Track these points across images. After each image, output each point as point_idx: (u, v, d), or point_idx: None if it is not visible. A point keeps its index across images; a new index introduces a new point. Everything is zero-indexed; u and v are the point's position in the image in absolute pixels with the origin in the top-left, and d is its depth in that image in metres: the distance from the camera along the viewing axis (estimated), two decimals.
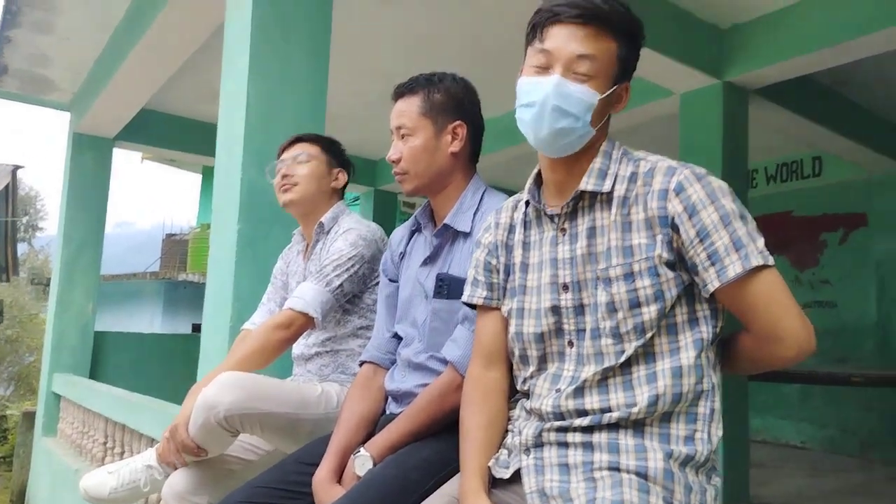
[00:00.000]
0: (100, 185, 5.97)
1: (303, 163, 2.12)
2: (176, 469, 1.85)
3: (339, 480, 1.54)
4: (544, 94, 1.21)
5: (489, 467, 1.31)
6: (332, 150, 2.20)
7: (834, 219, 6.96)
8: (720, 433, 1.22)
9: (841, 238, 6.90)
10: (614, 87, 1.24)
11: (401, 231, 1.84)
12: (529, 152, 1.42)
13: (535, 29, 1.26)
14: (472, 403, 1.37)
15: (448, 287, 1.60)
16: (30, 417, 7.27)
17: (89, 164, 5.93)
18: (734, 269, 1.15)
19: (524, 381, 1.34)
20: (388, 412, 1.69)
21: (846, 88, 5.33)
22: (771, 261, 1.16)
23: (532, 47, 1.27)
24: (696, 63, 4.22)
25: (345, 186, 2.26)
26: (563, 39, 1.21)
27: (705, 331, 1.21)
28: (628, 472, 1.15)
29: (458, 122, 1.66)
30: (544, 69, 1.23)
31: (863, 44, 3.85)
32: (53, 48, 5.00)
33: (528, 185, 1.37)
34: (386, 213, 7.90)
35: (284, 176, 2.12)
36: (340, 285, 1.94)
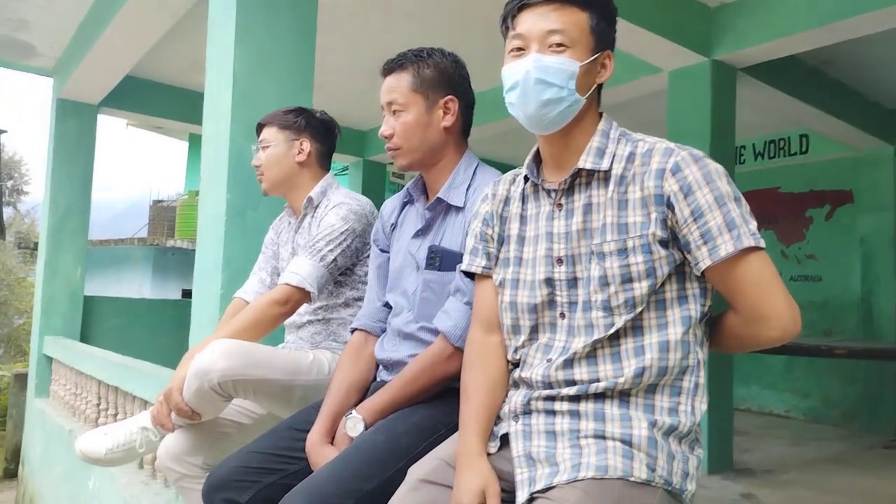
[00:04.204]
0: (85, 150, 5.92)
1: (264, 149, 2.15)
2: (171, 431, 1.90)
3: (332, 442, 1.59)
4: (525, 72, 1.26)
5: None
6: (290, 124, 2.15)
7: (820, 195, 7.03)
8: (704, 407, 1.27)
9: (827, 214, 6.99)
10: (595, 56, 1.29)
11: (392, 202, 1.87)
12: (516, 127, 1.45)
13: (507, 20, 1.33)
14: (473, 366, 1.41)
15: (440, 259, 1.63)
16: (22, 379, 7.30)
17: (74, 130, 5.87)
18: (726, 248, 1.18)
19: (515, 350, 1.38)
20: (378, 380, 1.73)
21: (832, 68, 5.36)
22: (762, 243, 1.20)
23: (507, 38, 1.33)
24: (685, 41, 4.23)
25: (324, 153, 2.21)
26: (533, 21, 1.28)
27: (693, 308, 1.26)
28: (613, 439, 1.20)
29: (449, 97, 1.68)
30: (521, 52, 1.29)
31: (848, 25, 3.88)
32: (33, 13, 4.90)
33: (527, 161, 1.40)
34: (375, 183, 7.89)
35: (256, 167, 2.17)
36: (334, 259, 1.97)
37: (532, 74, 1.25)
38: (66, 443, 4.47)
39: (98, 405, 4.21)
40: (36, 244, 12.46)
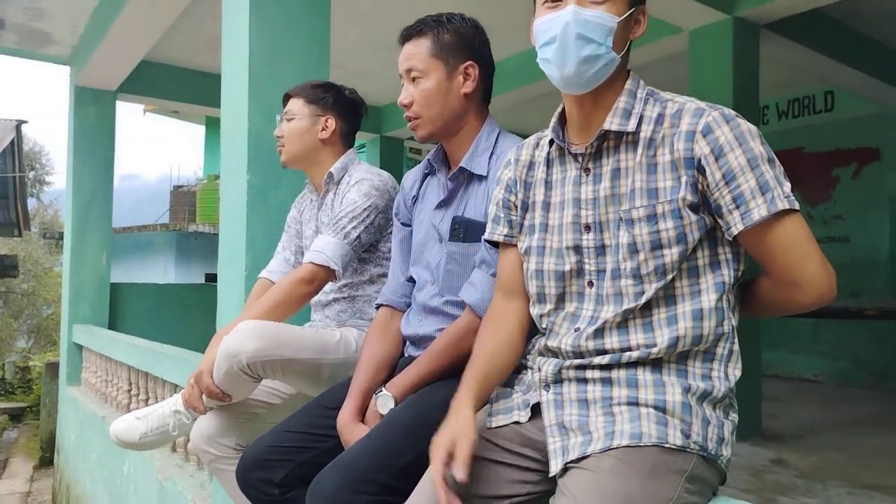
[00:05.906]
0: (105, 137, 5.96)
1: (289, 121, 2.12)
2: (202, 413, 1.92)
3: (363, 420, 1.58)
4: (563, 25, 1.19)
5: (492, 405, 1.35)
6: (317, 99, 2.12)
7: (846, 154, 6.90)
8: (738, 373, 1.24)
9: (853, 173, 6.86)
10: (631, 11, 1.23)
11: (413, 174, 1.84)
12: (531, 97, 1.40)
13: None
14: (484, 330, 1.41)
15: (464, 230, 1.61)
16: (53, 368, 7.44)
17: (93, 116, 5.90)
18: (759, 212, 1.14)
19: (540, 317, 1.36)
20: (406, 355, 1.72)
21: (857, 21, 5.22)
22: (796, 206, 1.16)
23: None
24: None
25: (348, 132, 2.18)
26: None
27: (727, 274, 1.22)
28: (647, 405, 1.18)
29: (469, 63, 1.64)
30: (557, 3, 1.21)
31: None
32: (49, 2, 4.91)
33: (552, 123, 1.35)
34: (393, 159, 7.87)
35: (278, 137, 2.14)
36: (358, 237, 1.95)
37: (572, 28, 1.18)
38: (100, 429, 4.54)
39: (129, 391, 4.27)
40: (60, 234, 12.62)
